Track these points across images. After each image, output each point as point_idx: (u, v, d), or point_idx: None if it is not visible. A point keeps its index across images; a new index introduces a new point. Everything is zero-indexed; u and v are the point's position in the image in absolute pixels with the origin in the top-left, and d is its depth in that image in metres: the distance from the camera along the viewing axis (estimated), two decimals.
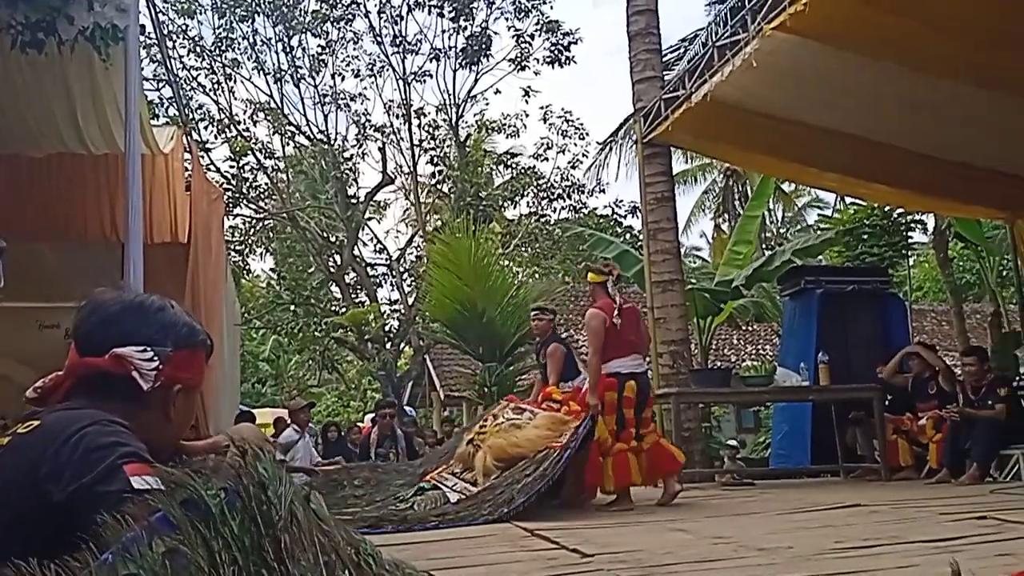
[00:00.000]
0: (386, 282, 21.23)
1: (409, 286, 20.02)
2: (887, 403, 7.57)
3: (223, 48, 18.36)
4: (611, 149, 20.61)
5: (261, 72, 18.93)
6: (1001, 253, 12.49)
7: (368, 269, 20.51)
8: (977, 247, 13.28)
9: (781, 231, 29.14)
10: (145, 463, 1.11)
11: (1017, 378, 7.31)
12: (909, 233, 13.38)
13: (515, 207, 20.61)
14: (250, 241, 20.22)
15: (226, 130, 18.83)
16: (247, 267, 20.90)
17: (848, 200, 14.91)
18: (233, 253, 18.15)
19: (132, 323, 1.32)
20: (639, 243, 14.24)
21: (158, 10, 8.18)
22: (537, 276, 18.50)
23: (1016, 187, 8.35)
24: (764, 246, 25.09)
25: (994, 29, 5.78)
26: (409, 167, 19.59)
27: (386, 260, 21.08)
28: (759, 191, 12.88)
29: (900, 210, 12.34)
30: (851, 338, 8.57)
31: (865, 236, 12.61)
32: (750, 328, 18.72)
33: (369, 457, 9.14)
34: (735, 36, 6.82)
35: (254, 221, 20.01)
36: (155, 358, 1.29)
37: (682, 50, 17.02)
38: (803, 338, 8.67)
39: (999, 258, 13.12)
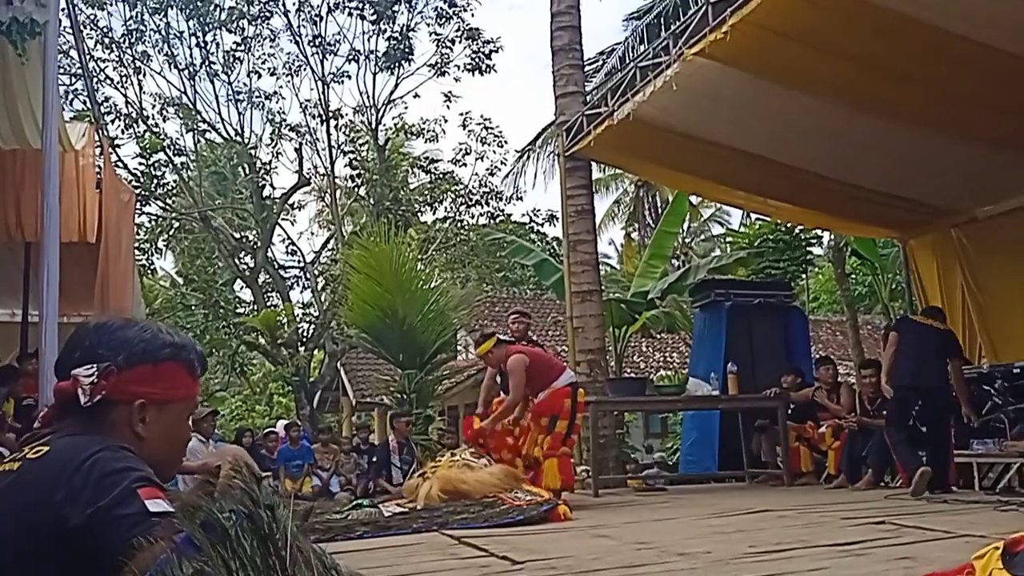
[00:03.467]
0: (298, 285, 20.93)
1: (322, 289, 19.76)
2: (790, 412, 7.97)
3: (133, 40, 17.79)
4: (529, 157, 20.85)
5: (173, 66, 18.42)
6: (894, 270, 13.25)
7: (281, 271, 20.16)
8: (872, 263, 14.05)
9: (687, 240, 30.10)
10: (156, 487, 1.16)
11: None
12: (809, 248, 14.08)
13: (433, 212, 20.65)
14: (156, 240, 19.60)
15: (134, 125, 18.22)
16: (151, 266, 20.25)
17: (753, 216, 15.54)
18: (137, 252, 17.57)
19: (90, 344, 1.33)
20: (554, 251, 14.49)
21: (73, 2, 7.89)
22: (454, 282, 18.57)
23: (908, 210, 8.92)
24: (671, 255, 25.81)
25: (894, 65, 6.21)
26: (326, 169, 19.38)
27: (299, 262, 20.77)
28: (674, 208, 13.19)
29: (801, 227, 12.96)
30: (757, 349, 8.96)
31: (769, 251, 13.20)
32: (660, 337, 19.24)
33: (390, 466, 8.90)
34: (657, 59, 7.09)
35: (161, 220, 19.41)
36: (94, 373, 1.29)
37: (600, 63, 17.39)
38: (712, 348, 9.02)
39: (892, 274, 13.91)
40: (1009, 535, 1.75)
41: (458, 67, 18.90)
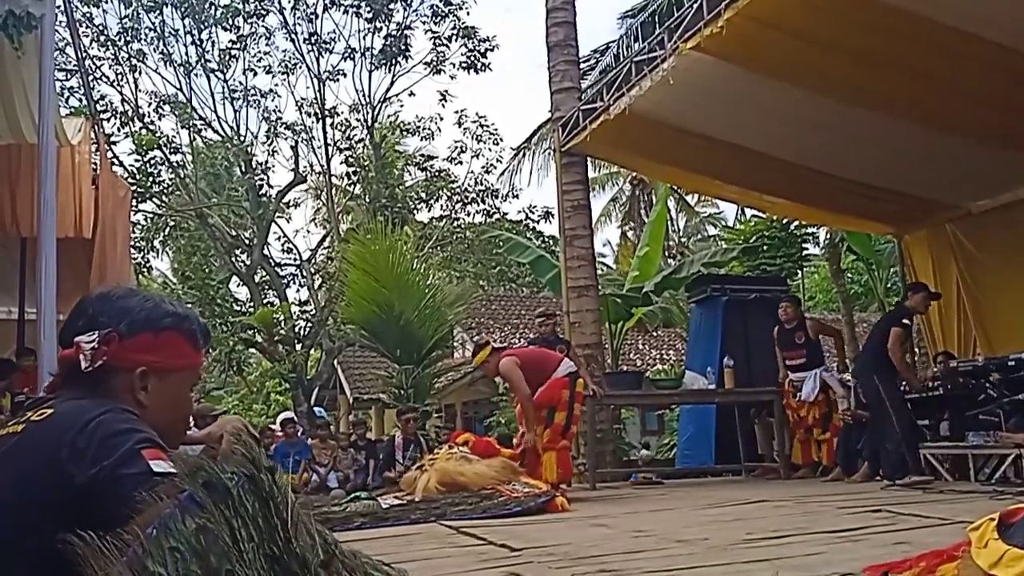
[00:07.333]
0: (294, 282, 20.92)
1: (319, 287, 19.76)
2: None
3: (128, 38, 17.76)
4: (524, 155, 20.86)
5: (168, 64, 18.41)
6: (889, 266, 13.27)
7: (277, 269, 20.17)
8: (867, 260, 14.06)
9: (683, 240, 30.10)
10: (159, 448, 1.17)
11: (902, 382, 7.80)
12: (804, 245, 14.09)
13: (428, 210, 20.67)
14: (152, 238, 19.58)
15: (130, 122, 18.20)
16: (148, 264, 20.22)
17: (749, 213, 15.56)
18: (132, 250, 17.54)
19: (93, 312, 1.34)
20: (550, 248, 14.50)
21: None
22: (450, 280, 18.58)
23: (903, 205, 8.94)
24: (667, 254, 25.83)
25: (889, 60, 6.22)
26: (321, 166, 19.39)
27: (295, 260, 20.77)
28: (661, 196, 13.27)
29: (797, 223, 12.98)
30: (752, 343, 8.98)
31: (765, 247, 13.21)
32: (655, 333, 19.25)
33: (394, 463, 8.88)
34: (652, 53, 7.10)
35: (156, 218, 19.39)
36: (95, 339, 1.29)
37: (594, 61, 17.41)
38: (709, 343, 9.04)
39: (887, 270, 13.92)
40: None
41: (454, 65, 18.93)
